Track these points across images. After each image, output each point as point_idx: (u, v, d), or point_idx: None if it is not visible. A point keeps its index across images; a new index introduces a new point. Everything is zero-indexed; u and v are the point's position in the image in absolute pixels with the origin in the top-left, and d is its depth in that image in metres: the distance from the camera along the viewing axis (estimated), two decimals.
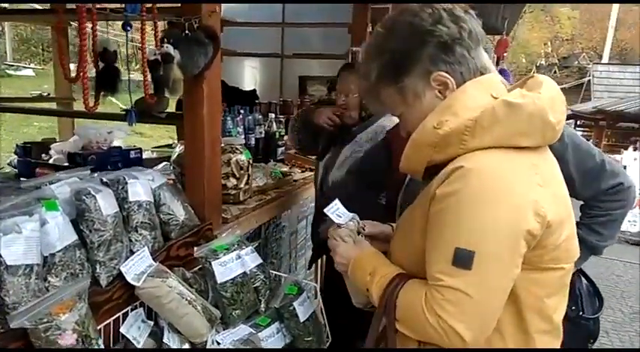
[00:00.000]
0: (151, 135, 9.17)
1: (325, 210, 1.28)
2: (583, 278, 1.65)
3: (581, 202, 1.58)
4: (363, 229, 1.28)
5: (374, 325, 1.05)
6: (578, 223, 1.55)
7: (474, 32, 0.99)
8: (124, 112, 1.65)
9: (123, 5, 1.28)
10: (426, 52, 0.99)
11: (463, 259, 0.89)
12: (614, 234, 1.56)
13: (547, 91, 0.96)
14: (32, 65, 14.82)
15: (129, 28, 1.27)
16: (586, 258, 1.58)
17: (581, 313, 1.57)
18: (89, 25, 1.19)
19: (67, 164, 2.09)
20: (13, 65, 13.79)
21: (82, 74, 1.21)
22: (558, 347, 1.05)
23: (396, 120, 1.97)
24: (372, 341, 1.05)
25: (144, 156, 2.56)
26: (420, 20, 0.98)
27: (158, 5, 1.42)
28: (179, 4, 1.58)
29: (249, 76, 4.31)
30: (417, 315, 0.94)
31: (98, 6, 1.20)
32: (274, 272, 1.66)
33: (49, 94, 2.96)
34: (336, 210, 1.29)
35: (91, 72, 1.26)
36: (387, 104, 1.09)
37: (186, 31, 1.45)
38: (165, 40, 1.38)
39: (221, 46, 3.78)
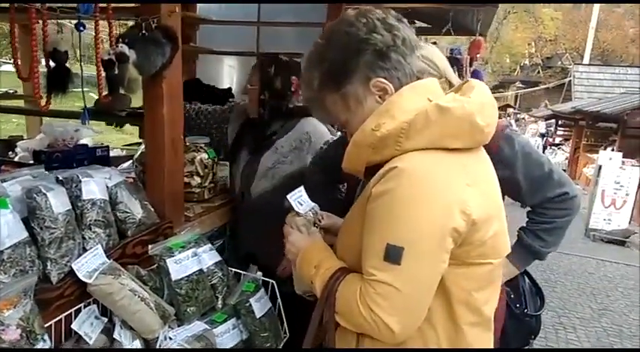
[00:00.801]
0: (132, 132, 9.08)
1: (288, 196, 1.31)
2: (526, 278, 1.71)
3: (529, 209, 1.62)
4: (320, 221, 1.31)
5: (315, 317, 1.08)
6: (524, 229, 1.61)
7: (407, 39, 1.03)
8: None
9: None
10: (363, 59, 1.03)
11: (393, 255, 0.93)
12: (557, 240, 1.60)
13: (477, 96, 1.00)
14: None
15: (82, 29, 1.29)
16: (529, 263, 1.64)
17: (525, 310, 1.63)
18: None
19: (32, 162, 2.10)
20: None
21: (33, 73, 1.22)
22: (489, 338, 1.10)
23: (317, 124, 1.97)
24: (313, 332, 1.09)
25: (113, 154, 2.58)
26: (355, 30, 1.02)
27: (114, 5, 1.43)
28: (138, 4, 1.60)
29: (227, 74, 4.31)
30: (352, 308, 0.97)
31: (49, 5, 1.21)
32: (234, 269, 1.68)
33: (15, 91, 2.95)
34: (298, 198, 1.31)
35: None
36: (332, 111, 1.12)
37: (144, 31, 1.46)
38: (121, 39, 1.39)
39: (197, 44, 3.76)
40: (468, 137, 0.98)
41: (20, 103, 2.96)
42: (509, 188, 1.57)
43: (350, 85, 1.05)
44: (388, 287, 0.93)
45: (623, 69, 16.90)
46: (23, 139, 2.59)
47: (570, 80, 17.08)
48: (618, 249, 6.97)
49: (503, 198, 1.67)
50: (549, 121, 17.54)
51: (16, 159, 2.25)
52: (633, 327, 4.25)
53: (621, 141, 9.81)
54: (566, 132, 16.24)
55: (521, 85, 27.69)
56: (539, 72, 30.29)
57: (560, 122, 16.35)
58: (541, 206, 1.58)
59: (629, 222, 7.52)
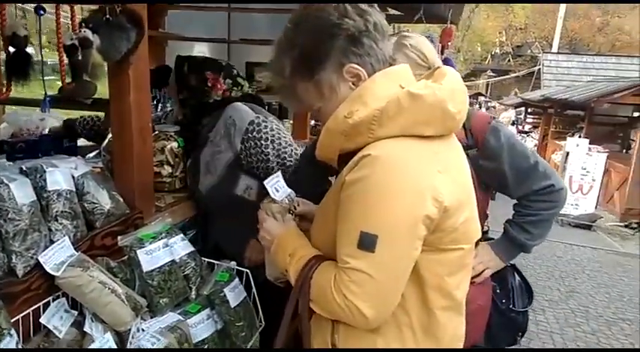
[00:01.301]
0: None
1: (265, 182, 1.29)
2: (516, 275, 1.72)
3: (515, 201, 1.63)
4: (296, 208, 1.30)
5: (289, 305, 1.08)
6: (509, 221, 1.61)
7: (379, 24, 1.02)
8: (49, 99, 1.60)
9: None
10: (335, 44, 1.01)
11: (367, 242, 0.93)
12: (543, 233, 1.60)
13: (448, 83, 1.00)
14: None
15: (42, 12, 1.23)
16: (515, 255, 1.65)
17: (511, 306, 1.65)
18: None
19: None
20: None
21: None
22: (460, 322, 1.12)
23: (239, 107, 1.89)
24: (287, 323, 1.09)
25: (81, 143, 2.50)
26: (327, 14, 1.00)
27: None
28: None
29: None
30: (327, 295, 0.98)
31: None
32: (207, 259, 1.66)
33: None
34: (275, 183, 1.29)
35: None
36: (305, 99, 1.09)
37: (108, 16, 1.41)
38: (84, 24, 1.34)
39: (166, 30, 3.67)
40: (440, 124, 0.98)
41: None
42: (496, 180, 1.58)
43: (323, 71, 1.03)
44: (362, 275, 0.93)
45: (590, 57, 17.30)
46: None
47: (539, 68, 17.39)
48: (585, 232, 7.21)
49: (492, 191, 1.69)
50: (519, 109, 17.87)
51: None
52: (599, 308, 4.42)
53: (588, 128, 10.07)
54: (535, 120, 16.57)
55: (492, 74, 28.11)
56: (509, 60, 30.75)
57: (529, 110, 16.66)
58: (527, 198, 1.58)
59: (596, 207, 7.78)
